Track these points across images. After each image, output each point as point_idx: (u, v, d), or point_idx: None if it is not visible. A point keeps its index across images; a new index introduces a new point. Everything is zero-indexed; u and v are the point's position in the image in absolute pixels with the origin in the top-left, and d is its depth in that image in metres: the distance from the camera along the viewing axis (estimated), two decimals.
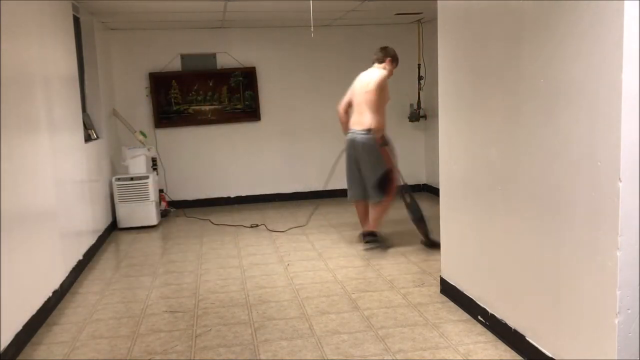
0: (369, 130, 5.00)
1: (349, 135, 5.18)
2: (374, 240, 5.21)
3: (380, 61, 5.22)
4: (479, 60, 3.30)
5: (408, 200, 5.22)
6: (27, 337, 3.45)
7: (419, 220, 5.19)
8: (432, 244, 4.99)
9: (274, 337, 3.40)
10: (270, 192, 7.79)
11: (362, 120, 5.06)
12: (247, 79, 7.55)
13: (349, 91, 5.27)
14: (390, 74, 5.21)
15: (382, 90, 5.03)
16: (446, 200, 3.91)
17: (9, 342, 3.17)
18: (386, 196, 5.11)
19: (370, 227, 5.25)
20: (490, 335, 3.29)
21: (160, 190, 7.06)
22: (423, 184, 8.11)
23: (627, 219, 2.23)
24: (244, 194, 7.74)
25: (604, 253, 2.33)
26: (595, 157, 2.34)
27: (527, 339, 2.94)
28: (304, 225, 6.26)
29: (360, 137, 5.05)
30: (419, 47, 7.80)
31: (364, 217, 5.36)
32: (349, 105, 5.25)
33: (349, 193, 5.38)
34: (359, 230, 5.74)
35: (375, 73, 5.13)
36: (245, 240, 5.78)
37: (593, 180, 2.36)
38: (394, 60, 5.27)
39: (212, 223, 6.59)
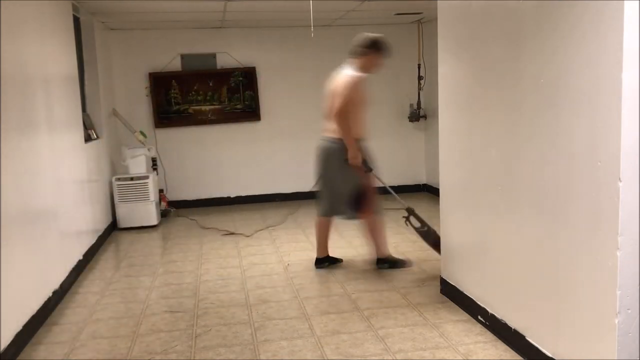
0: (335, 139, 4.37)
1: (319, 143, 4.54)
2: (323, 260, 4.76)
3: (355, 55, 4.37)
4: (479, 60, 3.30)
5: (417, 225, 4.53)
6: (27, 337, 3.45)
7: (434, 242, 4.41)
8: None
9: (274, 337, 3.40)
10: (270, 192, 7.79)
11: (329, 127, 4.41)
12: (247, 79, 7.55)
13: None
14: (368, 68, 4.35)
15: (347, 94, 4.24)
16: (446, 200, 3.91)
17: (9, 342, 3.17)
18: (361, 215, 4.53)
19: (378, 253, 4.63)
20: (490, 335, 3.29)
21: (160, 190, 7.06)
22: (423, 184, 8.11)
23: (627, 219, 2.23)
24: (244, 194, 7.75)
25: (604, 253, 2.32)
26: (595, 157, 2.34)
27: (527, 339, 2.94)
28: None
29: (326, 144, 4.43)
30: (419, 47, 7.81)
31: (323, 237, 4.70)
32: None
33: (318, 207, 4.71)
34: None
35: (342, 73, 4.38)
36: (245, 240, 5.78)
37: (593, 180, 2.36)
38: (375, 51, 4.34)
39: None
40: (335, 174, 4.45)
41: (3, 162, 3.23)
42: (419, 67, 7.82)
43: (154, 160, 6.98)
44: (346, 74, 4.36)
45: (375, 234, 4.62)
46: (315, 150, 4.60)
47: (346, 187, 4.45)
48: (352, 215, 4.57)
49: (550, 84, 2.62)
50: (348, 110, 4.27)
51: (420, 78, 7.81)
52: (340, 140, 4.36)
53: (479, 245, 3.46)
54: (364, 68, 4.37)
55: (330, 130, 4.44)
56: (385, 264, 4.60)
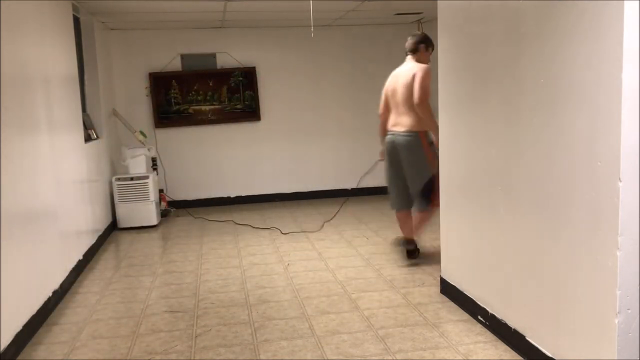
0: (411, 132, 4.48)
1: (388, 138, 4.63)
2: (413, 250, 4.73)
3: (413, 51, 4.66)
4: (479, 60, 3.30)
5: None
6: (27, 337, 3.45)
7: None
8: None
9: (274, 337, 3.40)
10: (270, 192, 7.79)
11: (402, 121, 4.54)
12: (247, 79, 7.55)
13: (384, 91, 4.74)
14: (424, 63, 4.62)
15: (428, 84, 4.49)
16: (446, 200, 3.91)
17: (9, 342, 3.17)
18: (432, 205, 4.54)
19: (412, 234, 4.74)
20: (490, 335, 3.29)
21: (160, 190, 7.06)
22: None
23: (627, 219, 2.23)
24: (243, 194, 7.75)
25: (604, 253, 2.32)
26: (595, 157, 2.34)
27: (527, 339, 2.94)
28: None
29: (402, 138, 4.52)
30: None
31: (407, 227, 4.78)
32: (387, 106, 4.70)
33: (391, 201, 4.83)
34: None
35: (411, 67, 4.56)
36: (245, 240, 5.78)
37: (593, 180, 2.36)
38: (429, 46, 4.68)
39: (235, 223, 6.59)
40: (416, 167, 4.55)
41: (3, 162, 3.23)
42: None
43: (154, 160, 6.98)
44: (419, 66, 4.51)
45: (420, 222, 4.73)
46: (387, 146, 4.66)
47: (424, 178, 4.53)
48: (425, 206, 4.61)
49: (550, 84, 2.62)
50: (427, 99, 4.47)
51: None
52: (415, 132, 4.48)
53: (479, 245, 3.46)
54: (421, 63, 4.61)
55: (402, 124, 4.54)
56: (412, 245, 4.70)
